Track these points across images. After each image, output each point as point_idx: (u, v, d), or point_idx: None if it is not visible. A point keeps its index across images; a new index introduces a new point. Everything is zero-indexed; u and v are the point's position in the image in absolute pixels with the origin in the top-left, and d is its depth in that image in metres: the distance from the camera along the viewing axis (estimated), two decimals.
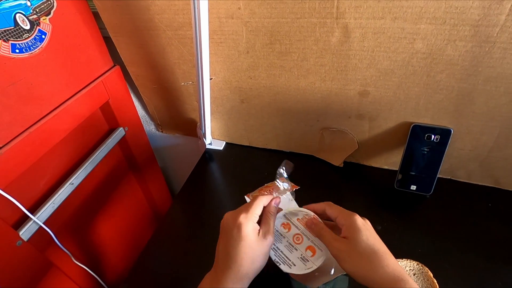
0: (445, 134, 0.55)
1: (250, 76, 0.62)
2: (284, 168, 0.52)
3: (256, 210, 0.39)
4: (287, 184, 0.49)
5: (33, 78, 0.52)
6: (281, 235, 0.40)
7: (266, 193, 0.56)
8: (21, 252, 0.53)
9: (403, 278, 0.33)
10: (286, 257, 0.39)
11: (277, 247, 0.40)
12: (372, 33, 0.48)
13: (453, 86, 0.50)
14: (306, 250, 0.39)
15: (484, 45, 0.44)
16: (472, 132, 0.54)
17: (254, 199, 0.41)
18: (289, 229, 0.41)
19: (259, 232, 0.38)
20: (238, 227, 0.37)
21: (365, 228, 0.36)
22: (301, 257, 0.39)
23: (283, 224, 0.41)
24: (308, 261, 0.38)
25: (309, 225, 0.40)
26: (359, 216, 0.37)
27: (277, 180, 0.49)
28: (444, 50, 0.47)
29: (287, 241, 0.40)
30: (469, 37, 0.44)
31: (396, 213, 0.57)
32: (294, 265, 0.38)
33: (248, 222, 0.38)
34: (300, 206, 0.44)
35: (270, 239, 0.38)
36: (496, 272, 0.47)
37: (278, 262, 0.39)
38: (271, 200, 0.42)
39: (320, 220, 0.40)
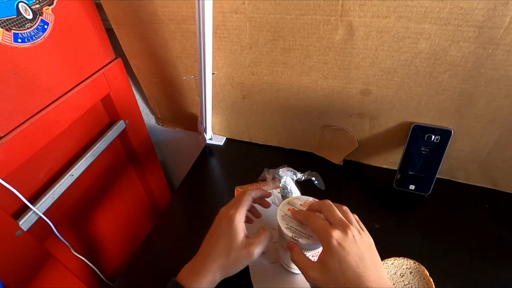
0: (445, 134, 0.55)
1: (252, 72, 0.62)
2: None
3: (245, 203, 0.42)
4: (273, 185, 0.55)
5: (35, 69, 0.51)
6: (291, 217, 0.42)
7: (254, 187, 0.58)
8: (20, 242, 0.54)
9: None
10: (302, 231, 0.40)
11: (290, 225, 0.41)
12: (376, 32, 0.48)
13: (455, 87, 0.50)
14: None
15: (487, 47, 0.44)
16: (472, 134, 0.54)
17: (243, 193, 0.43)
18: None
19: (245, 236, 0.40)
20: (228, 219, 0.40)
21: (340, 252, 0.33)
22: None
23: (289, 209, 0.43)
24: None
25: (289, 246, 0.39)
26: (338, 233, 0.34)
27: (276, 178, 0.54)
28: (447, 50, 0.47)
29: (298, 220, 0.41)
30: (473, 38, 0.44)
31: (394, 212, 0.58)
32: (311, 236, 0.39)
33: (237, 217, 0.40)
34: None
35: (253, 251, 0.39)
36: (493, 273, 0.48)
37: (296, 237, 0.39)
38: (262, 197, 0.45)
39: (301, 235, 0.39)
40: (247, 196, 0.43)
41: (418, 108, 0.55)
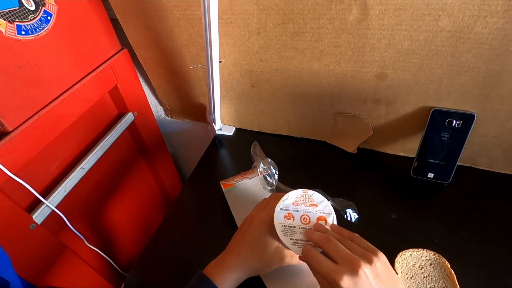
0: (467, 119, 0.52)
1: (261, 59, 0.59)
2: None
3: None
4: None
5: (40, 61, 0.51)
6: (291, 227, 0.39)
7: (239, 178, 0.59)
8: (35, 235, 0.54)
9: None
10: (307, 241, 0.38)
11: (295, 239, 0.39)
12: (393, 10, 0.45)
13: (480, 68, 0.46)
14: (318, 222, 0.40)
15: None
16: (498, 117, 0.51)
17: (275, 197, 0.43)
18: (293, 217, 0.40)
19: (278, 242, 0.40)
20: (259, 222, 0.41)
21: None
22: None
23: (285, 216, 0.40)
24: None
25: (306, 253, 0.36)
26: (347, 279, 0.30)
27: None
28: (472, 27, 0.43)
29: (299, 227, 0.39)
30: (501, 12, 0.40)
31: (412, 201, 0.55)
32: None
33: (269, 221, 0.40)
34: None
35: (285, 258, 0.41)
36: None
37: None
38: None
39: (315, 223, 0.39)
40: (278, 200, 0.41)
41: (438, 91, 0.51)
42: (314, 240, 0.36)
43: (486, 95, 0.49)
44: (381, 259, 0.32)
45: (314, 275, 0.35)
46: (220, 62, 0.63)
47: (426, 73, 0.50)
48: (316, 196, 0.41)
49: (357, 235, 0.36)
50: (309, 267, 0.35)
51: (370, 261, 0.31)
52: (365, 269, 0.30)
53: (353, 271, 0.30)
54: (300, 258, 0.37)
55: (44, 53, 0.51)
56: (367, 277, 0.30)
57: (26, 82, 0.49)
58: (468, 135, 0.52)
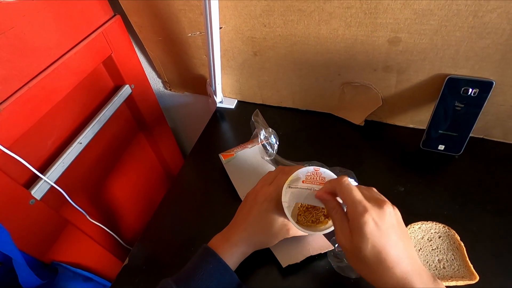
0: (485, 87, 0.48)
1: (264, 24, 0.55)
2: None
3: (284, 183, 0.39)
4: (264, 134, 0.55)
5: (25, 27, 0.47)
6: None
7: (239, 148, 0.57)
8: (35, 210, 0.53)
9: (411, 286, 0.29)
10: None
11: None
12: None
13: (504, 29, 0.42)
14: None
15: None
16: None
17: (282, 172, 0.42)
18: None
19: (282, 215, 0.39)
20: (266, 197, 0.40)
21: (375, 232, 0.29)
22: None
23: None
24: None
25: (322, 197, 0.36)
26: (373, 213, 0.30)
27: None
28: None
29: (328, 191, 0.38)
30: None
31: (421, 174, 0.53)
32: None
33: (276, 196, 0.39)
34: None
35: (290, 230, 0.41)
36: None
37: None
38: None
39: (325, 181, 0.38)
40: (286, 175, 0.40)
41: (456, 57, 0.48)
42: (329, 190, 0.35)
43: (508, 60, 0.46)
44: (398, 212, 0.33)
45: (330, 207, 0.34)
46: (220, 28, 0.58)
47: (443, 36, 0.46)
48: (327, 174, 0.39)
49: (374, 188, 0.35)
50: (340, 194, 0.33)
51: (393, 207, 0.32)
52: (390, 209, 0.31)
53: (380, 206, 0.30)
54: (317, 195, 0.36)
55: (29, 18, 0.47)
56: (391, 216, 0.30)
57: (12, 50, 0.46)
58: (484, 104, 0.49)
